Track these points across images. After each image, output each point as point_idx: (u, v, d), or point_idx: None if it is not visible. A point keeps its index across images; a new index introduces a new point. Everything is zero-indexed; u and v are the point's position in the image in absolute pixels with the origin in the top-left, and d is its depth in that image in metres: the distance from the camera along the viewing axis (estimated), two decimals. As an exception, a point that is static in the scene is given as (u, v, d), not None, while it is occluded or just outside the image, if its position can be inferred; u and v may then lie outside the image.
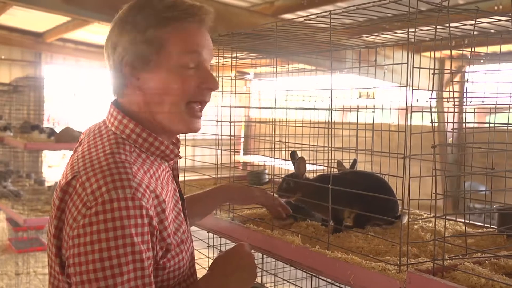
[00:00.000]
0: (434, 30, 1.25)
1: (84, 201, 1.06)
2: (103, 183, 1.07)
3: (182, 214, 1.30)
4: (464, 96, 1.52)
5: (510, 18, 1.25)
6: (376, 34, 1.92)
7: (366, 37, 1.99)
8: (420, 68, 1.17)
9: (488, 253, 1.33)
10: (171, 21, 1.20)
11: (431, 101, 1.15)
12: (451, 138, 1.42)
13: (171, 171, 1.36)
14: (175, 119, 1.24)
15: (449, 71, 1.33)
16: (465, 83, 1.41)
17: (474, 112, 1.69)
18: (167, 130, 1.26)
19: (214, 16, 1.27)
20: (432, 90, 1.15)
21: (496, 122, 1.56)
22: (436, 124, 1.26)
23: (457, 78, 5.61)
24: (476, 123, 1.57)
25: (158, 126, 1.24)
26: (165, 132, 1.27)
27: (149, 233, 1.09)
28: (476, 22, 1.34)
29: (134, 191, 1.07)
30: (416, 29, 1.67)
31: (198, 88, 1.24)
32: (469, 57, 1.63)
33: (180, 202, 1.32)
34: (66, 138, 4.61)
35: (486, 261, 1.28)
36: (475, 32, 1.68)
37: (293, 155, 1.84)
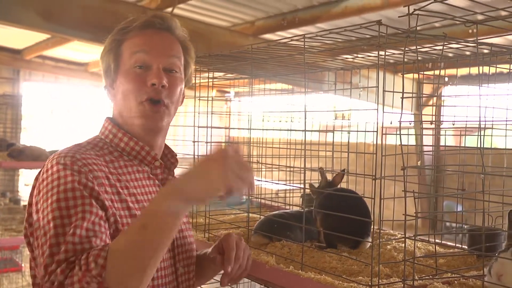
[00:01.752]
0: (412, 53, 1.29)
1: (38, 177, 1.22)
2: (51, 159, 1.20)
3: None
4: (436, 119, 1.55)
5: (475, 45, 1.29)
6: (350, 56, 1.96)
7: (342, 59, 2.03)
8: (389, 91, 1.20)
9: (457, 274, 1.35)
10: (124, 30, 1.35)
11: (400, 124, 1.17)
12: (419, 161, 1.44)
13: (158, 183, 1.37)
14: (133, 118, 1.32)
15: (421, 95, 1.36)
16: (434, 106, 1.44)
17: (446, 135, 1.73)
18: (135, 131, 1.34)
19: (172, 20, 1.39)
20: (402, 113, 1.17)
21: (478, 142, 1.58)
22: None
23: (433, 100, 5.72)
24: (447, 146, 1.61)
25: (131, 129, 1.34)
26: (139, 135, 1.34)
27: (90, 195, 1.14)
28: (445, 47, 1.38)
29: (75, 160, 1.17)
30: (390, 52, 1.73)
31: (145, 86, 1.30)
32: (440, 80, 1.68)
33: None
34: (27, 157, 4.55)
35: (455, 281, 1.30)
36: (451, 55, 1.73)
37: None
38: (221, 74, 2.44)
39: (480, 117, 1.32)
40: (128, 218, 1.21)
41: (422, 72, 1.51)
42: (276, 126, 2.66)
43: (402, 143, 1.22)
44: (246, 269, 1.43)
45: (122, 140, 1.33)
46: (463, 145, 1.61)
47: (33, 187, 1.23)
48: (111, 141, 1.33)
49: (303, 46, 1.47)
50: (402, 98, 1.16)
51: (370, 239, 1.64)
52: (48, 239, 1.08)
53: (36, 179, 1.23)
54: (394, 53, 1.67)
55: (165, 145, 1.45)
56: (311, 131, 1.66)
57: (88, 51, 7.76)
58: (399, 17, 1.17)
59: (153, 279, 1.25)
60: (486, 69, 1.55)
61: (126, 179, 1.27)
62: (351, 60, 2.04)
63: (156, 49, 1.32)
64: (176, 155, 1.48)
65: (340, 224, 1.58)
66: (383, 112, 1.25)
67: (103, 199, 1.16)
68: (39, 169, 1.27)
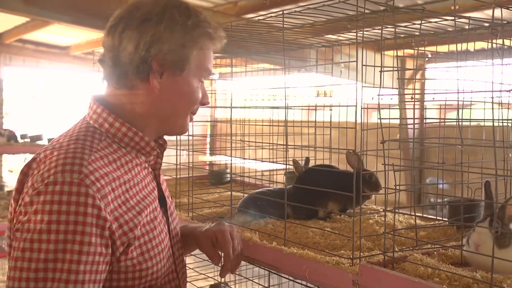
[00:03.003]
0: (392, 29, 1.29)
1: (33, 182, 1.07)
2: (55, 165, 1.07)
3: (158, 213, 1.25)
4: (415, 94, 1.56)
5: (453, 18, 1.29)
6: (331, 34, 1.96)
7: (322, 36, 2.02)
8: (369, 66, 1.21)
9: (437, 244, 1.37)
10: (208, 36, 1.26)
11: (378, 99, 1.18)
12: (398, 134, 1.46)
13: (151, 170, 1.31)
14: (179, 122, 1.30)
15: (400, 69, 1.37)
16: (415, 80, 1.45)
17: (425, 108, 1.75)
18: (164, 130, 1.31)
19: None
20: (380, 87, 1.18)
21: (459, 118, 1.59)
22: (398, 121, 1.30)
23: (416, 76, 5.75)
24: (428, 118, 1.63)
25: (152, 124, 1.27)
26: (156, 131, 1.30)
27: (96, 225, 1.04)
28: (423, 22, 1.39)
29: (83, 177, 1.05)
30: (370, 29, 1.73)
31: (198, 101, 1.32)
32: (423, 56, 1.68)
33: (158, 201, 1.28)
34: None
35: (435, 252, 1.33)
36: (433, 32, 1.74)
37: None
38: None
39: (458, 90, 1.33)
40: (139, 226, 1.14)
41: (402, 49, 1.51)
42: (259, 105, 2.65)
43: (382, 118, 1.23)
44: (242, 255, 1.45)
45: (120, 130, 1.22)
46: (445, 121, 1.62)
47: (22, 182, 1.12)
48: (107, 131, 1.21)
49: (282, 23, 1.46)
50: (381, 71, 1.16)
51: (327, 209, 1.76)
52: (27, 269, 1.00)
53: (26, 174, 1.12)
54: (375, 28, 1.67)
55: None
56: (293, 107, 1.67)
57: (69, 35, 7.63)
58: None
59: (158, 270, 1.21)
60: (467, 45, 1.56)
61: (127, 178, 1.18)
62: (332, 38, 2.04)
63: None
64: (163, 136, 1.39)
65: (299, 197, 1.73)
66: (362, 87, 1.25)
67: (110, 225, 1.07)
68: (22, 154, 1.19)
